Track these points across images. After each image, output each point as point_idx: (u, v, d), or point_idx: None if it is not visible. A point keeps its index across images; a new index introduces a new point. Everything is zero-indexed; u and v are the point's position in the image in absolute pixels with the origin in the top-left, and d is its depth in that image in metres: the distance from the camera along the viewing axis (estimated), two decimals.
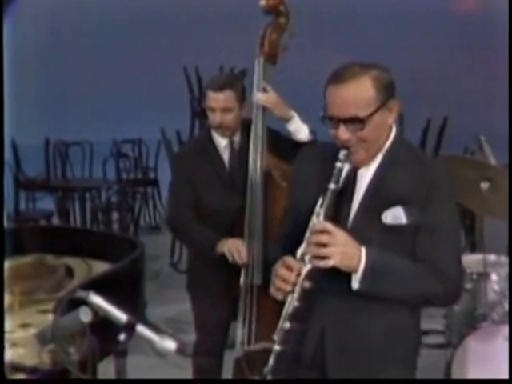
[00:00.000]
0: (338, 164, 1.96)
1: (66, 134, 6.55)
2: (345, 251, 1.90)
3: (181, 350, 1.58)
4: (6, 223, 2.30)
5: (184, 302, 3.44)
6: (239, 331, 3.17)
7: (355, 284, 1.92)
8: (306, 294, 1.95)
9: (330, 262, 1.89)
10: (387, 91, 1.95)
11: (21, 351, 2.43)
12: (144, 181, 6.53)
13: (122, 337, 1.55)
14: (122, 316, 1.56)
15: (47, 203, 6.13)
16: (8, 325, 2.66)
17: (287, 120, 3.12)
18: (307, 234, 1.96)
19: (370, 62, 1.99)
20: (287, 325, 1.96)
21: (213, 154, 3.19)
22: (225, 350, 3.32)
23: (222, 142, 3.19)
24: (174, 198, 3.30)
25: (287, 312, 1.96)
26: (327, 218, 1.95)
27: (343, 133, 1.94)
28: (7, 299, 2.80)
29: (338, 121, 1.94)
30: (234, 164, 3.19)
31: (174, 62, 7.08)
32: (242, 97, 3.15)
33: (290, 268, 1.94)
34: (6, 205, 5.82)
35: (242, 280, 3.12)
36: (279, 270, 1.96)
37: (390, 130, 2.03)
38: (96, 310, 1.56)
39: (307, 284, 1.94)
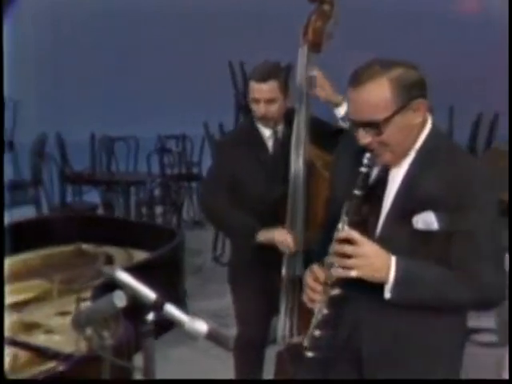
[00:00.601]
0: (363, 169, 1.87)
1: (112, 129, 6.59)
2: (370, 263, 1.82)
3: (211, 335, 1.51)
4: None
5: (226, 295, 3.39)
6: (281, 324, 3.10)
7: (387, 294, 1.84)
8: (335, 302, 1.89)
9: (354, 274, 1.81)
10: (410, 91, 1.83)
11: (57, 338, 2.46)
12: (188, 176, 6.52)
13: (150, 316, 1.49)
14: (150, 294, 1.49)
15: (93, 197, 6.18)
16: (45, 312, 2.66)
17: (336, 104, 3.04)
18: (333, 241, 1.88)
19: (394, 60, 1.87)
20: (317, 332, 1.91)
21: (256, 143, 3.13)
22: (267, 342, 3.26)
23: (266, 133, 3.14)
24: (212, 183, 3.25)
25: (317, 319, 1.91)
26: (353, 223, 1.87)
27: (363, 137, 1.86)
28: (46, 287, 2.81)
29: (357, 124, 1.86)
30: (277, 154, 3.13)
31: (219, 58, 7.08)
32: (286, 87, 3.08)
33: (316, 278, 1.89)
34: (52, 198, 5.93)
35: (283, 272, 3.05)
36: (307, 278, 1.91)
37: (421, 129, 1.91)
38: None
39: (336, 292, 1.88)
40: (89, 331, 2.04)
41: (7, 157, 6.34)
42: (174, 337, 4.24)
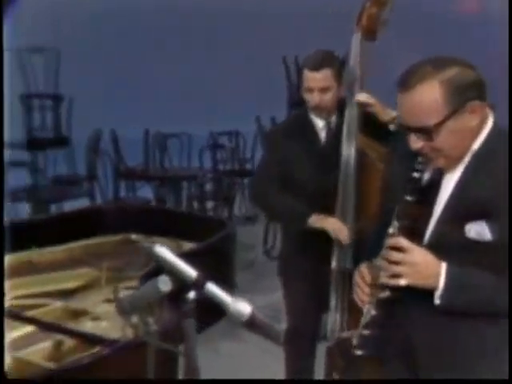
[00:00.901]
0: (415, 174, 1.80)
1: (165, 126, 6.61)
2: (419, 271, 1.76)
3: (254, 318, 1.45)
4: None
5: (278, 290, 3.35)
6: (331, 318, 3.04)
7: (436, 300, 1.78)
8: (384, 303, 1.85)
9: (402, 282, 1.77)
10: (464, 93, 1.72)
11: (104, 324, 2.45)
12: (240, 172, 6.51)
13: (191, 295, 1.43)
14: (191, 272, 1.44)
15: (146, 192, 6.21)
16: (92, 300, 2.66)
17: (391, 122, 2.96)
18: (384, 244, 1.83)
19: (449, 59, 1.76)
20: (366, 332, 1.89)
21: (309, 134, 3.09)
22: (318, 336, 3.22)
23: (319, 123, 3.08)
24: (262, 171, 3.21)
25: (365, 319, 1.88)
26: (404, 228, 1.81)
27: (414, 142, 1.77)
28: (94, 275, 2.81)
29: (407, 129, 1.77)
30: (329, 145, 3.07)
31: (272, 53, 7.03)
32: (340, 75, 3.01)
33: (365, 279, 1.87)
34: (106, 193, 5.99)
35: (333, 264, 2.98)
36: (356, 278, 1.89)
37: (479, 130, 1.79)
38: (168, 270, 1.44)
39: (384, 294, 1.84)
40: (134, 317, 2.02)
41: (63, 152, 6.42)
42: (224, 330, 4.25)
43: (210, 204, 6.09)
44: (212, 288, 1.45)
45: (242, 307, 1.44)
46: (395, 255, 1.76)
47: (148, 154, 6.47)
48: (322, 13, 7.55)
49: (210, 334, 4.07)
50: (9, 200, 5.44)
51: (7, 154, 5.84)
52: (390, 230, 1.81)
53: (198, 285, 1.43)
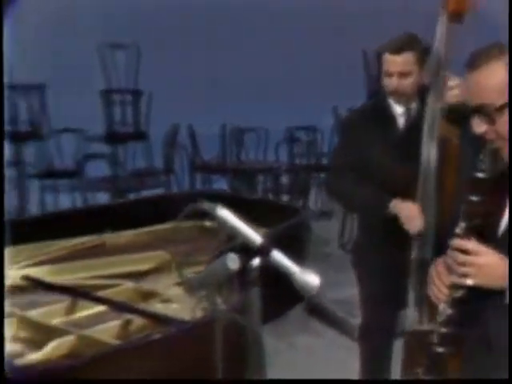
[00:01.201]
0: (479, 174, 1.72)
1: (242, 121, 6.61)
2: (486, 272, 1.72)
3: (317, 291, 1.36)
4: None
5: (353, 285, 3.28)
6: (409, 311, 2.92)
7: (506, 300, 1.72)
8: (458, 302, 1.81)
9: (469, 282, 1.73)
10: None
11: (174, 307, 2.44)
12: (317, 166, 6.42)
13: (255, 262, 1.36)
14: (256, 237, 1.36)
15: (222, 185, 6.22)
16: (163, 282, 2.65)
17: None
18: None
19: None
20: (443, 330, 1.84)
21: (386, 120, 3.00)
22: (394, 331, 3.11)
23: (397, 110, 2.98)
24: (338, 158, 3.14)
25: (442, 318, 1.84)
26: (471, 228, 1.75)
27: (477, 125, 1.72)
28: (165, 258, 2.81)
29: (470, 111, 1.73)
30: (409, 131, 2.97)
31: (351, 47, 6.94)
32: (423, 60, 2.89)
33: (440, 278, 1.82)
34: (182, 186, 6.06)
35: (412, 254, 2.87)
36: (432, 274, 1.85)
37: None
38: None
39: (459, 293, 1.79)
40: (203, 297, 1.98)
41: (141, 146, 6.52)
42: (301, 325, 4.21)
43: (285, 198, 6.07)
44: (278, 256, 1.36)
45: (311, 278, 1.36)
46: (461, 257, 1.73)
47: (225, 148, 6.49)
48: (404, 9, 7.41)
49: (286, 328, 4.07)
50: (88, 189, 5.61)
51: (88, 146, 6.02)
52: (457, 230, 1.76)
53: (263, 251, 1.35)
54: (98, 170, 5.99)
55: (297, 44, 7.69)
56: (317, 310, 4.38)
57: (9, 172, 5.79)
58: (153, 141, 6.49)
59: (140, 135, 6.51)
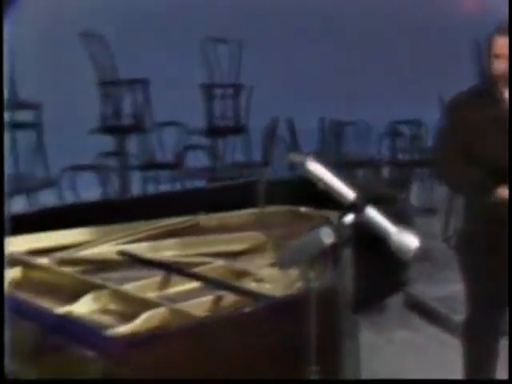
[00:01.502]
0: None
1: (343, 114, 6.50)
2: None
3: (423, 253, 1.25)
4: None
5: (457, 282, 3.16)
6: None
7: None
8: None
9: None
10: None
11: (267, 286, 2.39)
12: (420, 162, 6.21)
13: (348, 219, 1.26)
14: (349, 192, 1.26)
15: None
16: (256, 263, 2.63)
17: None
18: None
19: None
20: None
21: (493, 104, 2.88)
22: (500, 329, 3.00)
23: (505, 94, 2.83)
24: (443, 141, 3.04)
25: None
26: None
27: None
28: (261, 239, 2.79)
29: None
30: None
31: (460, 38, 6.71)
32: None
33: None
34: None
35: None
36: None
37: None
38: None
39: None
40: (295, 273, 1.91)
41: (240, 139, 6.54)
42: (400, 320, 4.11)
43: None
44: (372, 213, 1.25)
45: (409, 239, 1.24)
46: None
47: (324, 141, 6.40)
48: None
49: (385, 324, 3.98)
50: (187, 178, 5.64)
51: (188, 139, 6.10)
52: None
53: (357, 207, 1.24)
54: (197, 161, 6.06)
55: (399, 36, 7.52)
56: (417, 305, 4.25)
57: (112, 163, 5.95)
58: (252, 134, 6.49)
59: (240, 129, 6.52)
